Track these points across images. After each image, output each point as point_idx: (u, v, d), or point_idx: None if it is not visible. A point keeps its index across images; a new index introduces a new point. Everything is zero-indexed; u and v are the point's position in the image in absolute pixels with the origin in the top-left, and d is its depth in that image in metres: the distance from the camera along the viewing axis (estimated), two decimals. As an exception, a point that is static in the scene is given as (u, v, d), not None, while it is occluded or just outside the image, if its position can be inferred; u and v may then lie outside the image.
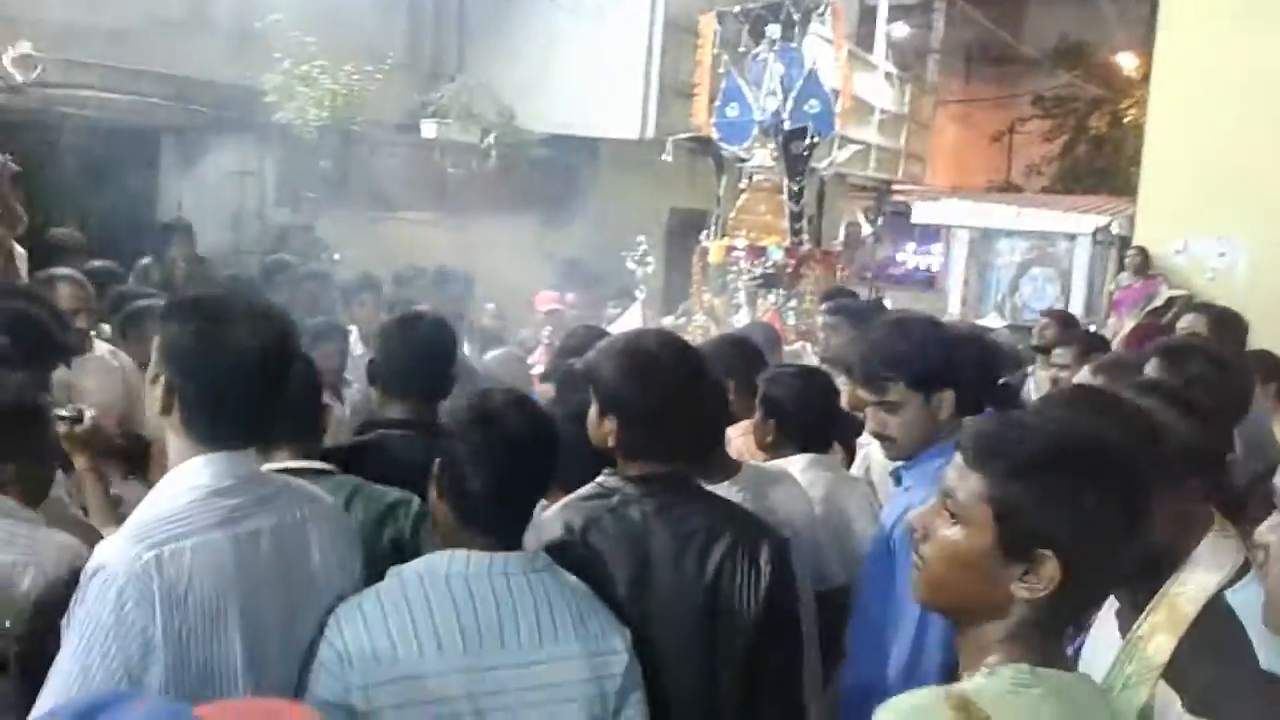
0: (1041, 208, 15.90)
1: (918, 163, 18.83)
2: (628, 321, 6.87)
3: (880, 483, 3.38)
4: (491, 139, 9.88)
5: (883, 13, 16.11)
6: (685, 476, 2.23)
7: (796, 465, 3.02)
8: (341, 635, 1.85)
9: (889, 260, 21.66)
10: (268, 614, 1.81)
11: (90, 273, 5.14)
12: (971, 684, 1.35)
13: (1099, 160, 21.04)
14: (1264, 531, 1.11)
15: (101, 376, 4.22)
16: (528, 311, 7.96)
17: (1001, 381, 3.82)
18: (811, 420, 3.07)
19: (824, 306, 5.49)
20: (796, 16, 7.78)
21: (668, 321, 7.14)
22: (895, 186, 18.65)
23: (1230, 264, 9.52)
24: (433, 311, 3.30)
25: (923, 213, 16.43)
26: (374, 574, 2.02)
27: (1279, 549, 1.11)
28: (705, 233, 7.88)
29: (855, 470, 3.49)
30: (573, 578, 2.03)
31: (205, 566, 1.72)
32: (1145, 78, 19.90)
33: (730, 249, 7.48)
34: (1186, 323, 4.42)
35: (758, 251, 7.40)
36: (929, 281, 20.20)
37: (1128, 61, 20.68)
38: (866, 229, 19.46)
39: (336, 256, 7.93)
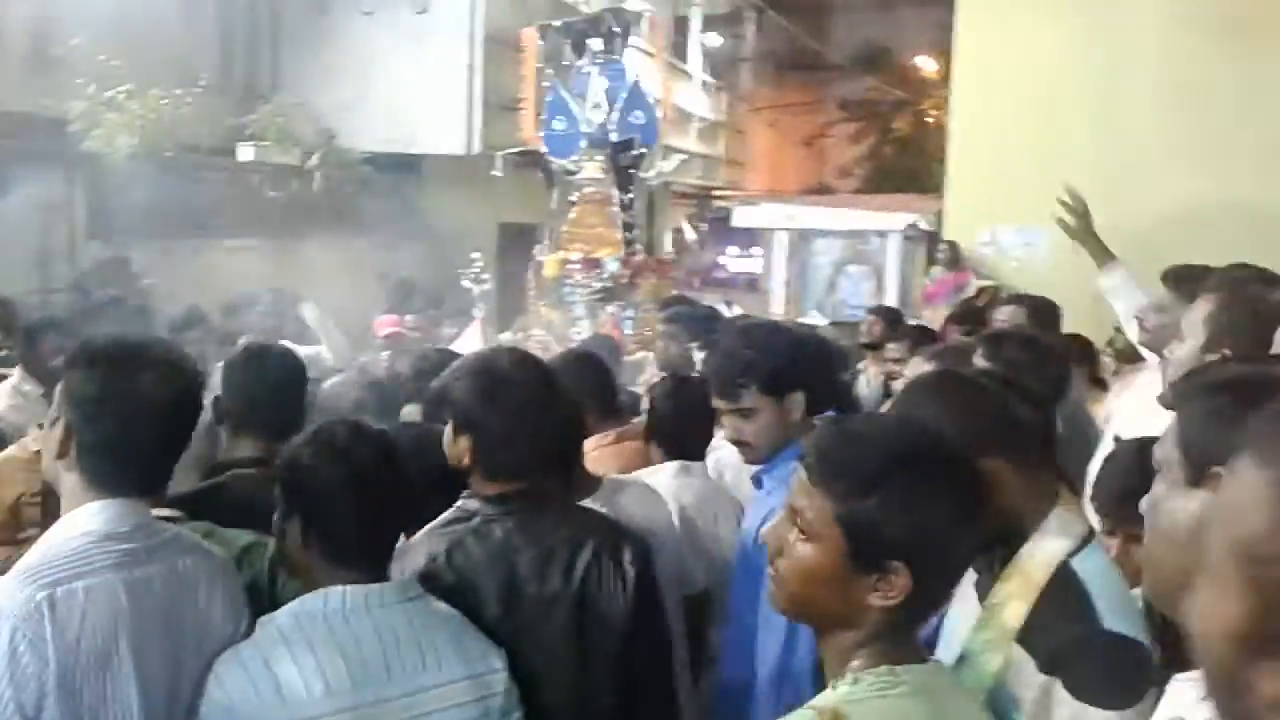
0: (854, 208, 16.58)
1: (736, 168, 19.34)
2: (467, 341, 6.83)
3: (733, 485, 3.50)
4: (315, 159, 9.67)
5: (695, 23, 16.49)
6: (544, 492, 2.26)
7: (667, 472, 3.08)
8: (223, 688, 1.81)
9: (713, 264, 22.16)
10: (156, 661, 1.79)
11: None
12: (838, 693, 1.40)
13: (904, 160, 22.03)
14: (1143, 503, 1.22)
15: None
16: (363, 336, 7.81)
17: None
18: (683, 429, 3.13)
19: (661, 315, 5.60)
20: (617, 30, 7.91)
21: (505, 337, 7.13)
22: (715, 192, 19.10)
23: (1034, 253, 10.09)
24: (279, 344, 3.22)
25: (743, 217, 16.91)
26: None
27: (1145, 505, 1.22)
28: (539, 247, 7.92)
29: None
30: (444, 605, 2.03)
31: (98, 608, 1.71)
32: (944, 80, 21.05)
33: (566, 262, 7.55)
34: (1005, 314, 4.68)
35: (593, 264, 7.48)
36: (752, 283, 20.76)
37: (927, 65, 21.78)
38: (691, 235, 19.86)
39: (147, 282, 7.60)
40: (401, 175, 11.02)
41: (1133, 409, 3.21)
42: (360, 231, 10.42)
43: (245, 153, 9.38)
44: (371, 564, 1.96)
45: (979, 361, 2.81)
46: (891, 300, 16.06)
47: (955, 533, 1.42)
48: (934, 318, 10.66)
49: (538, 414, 2.21)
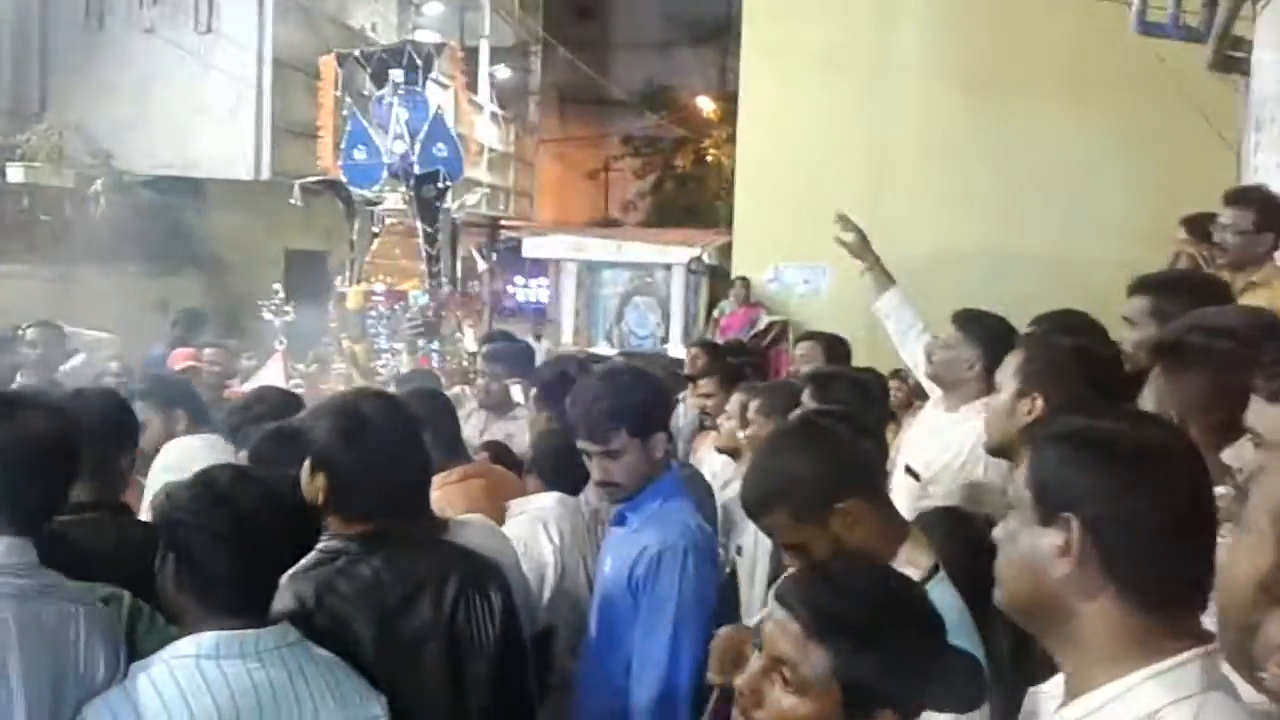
0: (639, 241, 17.04)
1: (525, 199, 19.49)
2: (270, 374, 6.66)
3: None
4: (98, 184, 9.17)
5: (484, 55, 16.57)
6: (404, 530, 2.30)
7: (549, 500, 3.16)
8: None
9: (502, 293, 22.21)
10: (42, 698, 1.81)
11: None
12: None
13: (685, 196, 22.80)
14: (997, 533, 1.37)
15: None
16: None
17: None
18: (562, 463, 3.20)
19: (484, 350, 5.65)
20: (418, 61, 7.92)
21: (303, 369, 6.97)
22: (503, 222, 19.18)
23: (815, 289, 10.73)
24: (100, 384, 3.12)
25: (533, 247, 17.12)
26: None
27: (999, 535, 1.38)
28: (340, 278, 7.80)
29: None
30: (321, 649, 2.04)
31: None
32: (722, 120, 21.98)
33: (370, 294, 7.47)
34: (804, 350, 5.01)
35: (398, 296, 7.44)
36: (541, 312, 20.93)
37: (706, 105, 22.64)
38: (482, 265, 19.84)
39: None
40: (183, 199, 10.57)
41: (914, 437, 3.51)
42: (139, 257, 9.93)
43: (15, 174, 8.79)
44: (249, 610, 1.94)
45: (808, 400, 3.04)
46: (676, 331, 16.62)
47: (932, 669, 1.46)
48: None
49: (398, 455, 2.26)
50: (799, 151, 10.36)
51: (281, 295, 6.77)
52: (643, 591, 2.48)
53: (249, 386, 6.76)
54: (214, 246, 10.88)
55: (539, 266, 19.78)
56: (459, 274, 8.42)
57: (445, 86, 10.28)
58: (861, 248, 4.20)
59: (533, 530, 3.04)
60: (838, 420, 2.06)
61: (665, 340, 16.10)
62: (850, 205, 10.27)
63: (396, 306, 7.41)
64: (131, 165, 9.75)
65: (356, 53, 8.09)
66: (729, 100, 21.70)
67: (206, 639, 1.89)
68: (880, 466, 2.00)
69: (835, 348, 5.01)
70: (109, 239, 9.65)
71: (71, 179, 9.24)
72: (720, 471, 3.84)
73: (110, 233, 9.66)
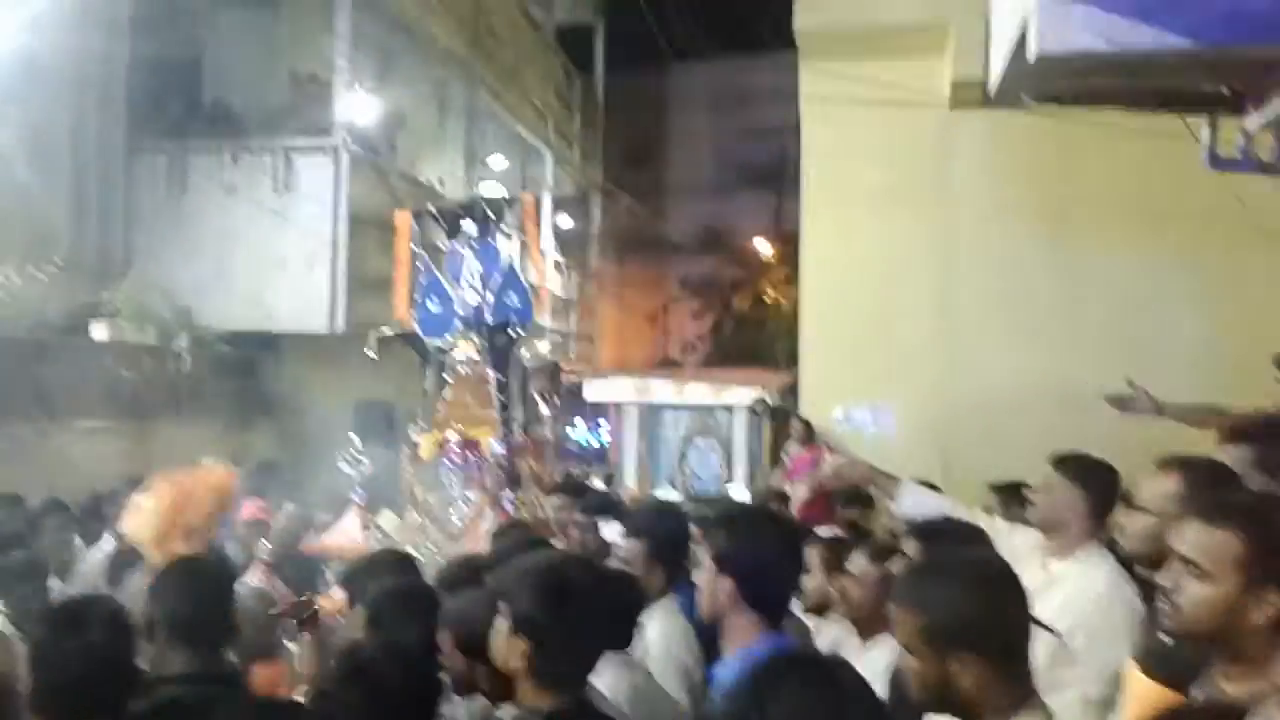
0: (700, 382, 17.02)
1: (587, 343, 19.71)
2: (346, 528, 6.65)
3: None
4: (183, 341, 9.42)
5: (546, 204, 17.02)
6: (592, 702, 2.25)
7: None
8: None
9: (564, 437, 22.27)
10: None
11: None
12: None
13: (745, 337, 22.89)
14: None
15: None
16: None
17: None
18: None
19: (572, 503, 5.60)
20: (491, 215, 8.10)
21: (385, 521, 6.94)
22: (565, 366, 19.36)
23: (884, 429, 10.58)
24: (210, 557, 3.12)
25: (594, 390, 17.16)
26: None
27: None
28: (413, 427, 7.82)
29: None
30: None
31: None
32: (780, 260, 22.24)
33: (443, 443, 7.48)
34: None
35: (471, 444, 7.44)
36: (601, 456, 20.91)
37: (763, 246, 22.94)
38: (545, 410, 19.93)
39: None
40: (259, 353, 10.81)
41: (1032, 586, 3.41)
42: (215, 411, 10.12)
43: (99, 331, 9.05)
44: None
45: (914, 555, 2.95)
46: (740, 473, 16.45)
47: None
48: (795, 494, 10.95)
49: (601, 620, 2.25)
50: (862, 290, 10.36)
51: (359, 447, 6.77)
52: None
53: (326, 539, 6.76)
54: (287, 399, 11.06)
55: (599, 409, 19.88)
56: (528, 420, 8.39)
57: (514, 238, 10.50)
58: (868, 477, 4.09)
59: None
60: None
61: (729, 481, 15.95)
62: (917, 341, 10.29)
63: (470, 455, 7.41)
64: (211, 321, 10.01)
65: (431, 207, 8.28)
66: (786, 241, 22.00)
67: None
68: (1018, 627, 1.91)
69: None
70: (187, 394, 9.86)
71: (153, 335, 9.50)
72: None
73: (188, 388, 9.87)
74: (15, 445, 7.80)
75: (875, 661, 3.43)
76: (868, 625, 3.57)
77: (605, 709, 2.37)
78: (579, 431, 22.92)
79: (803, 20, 10.25)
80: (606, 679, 3.08)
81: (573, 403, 20.58)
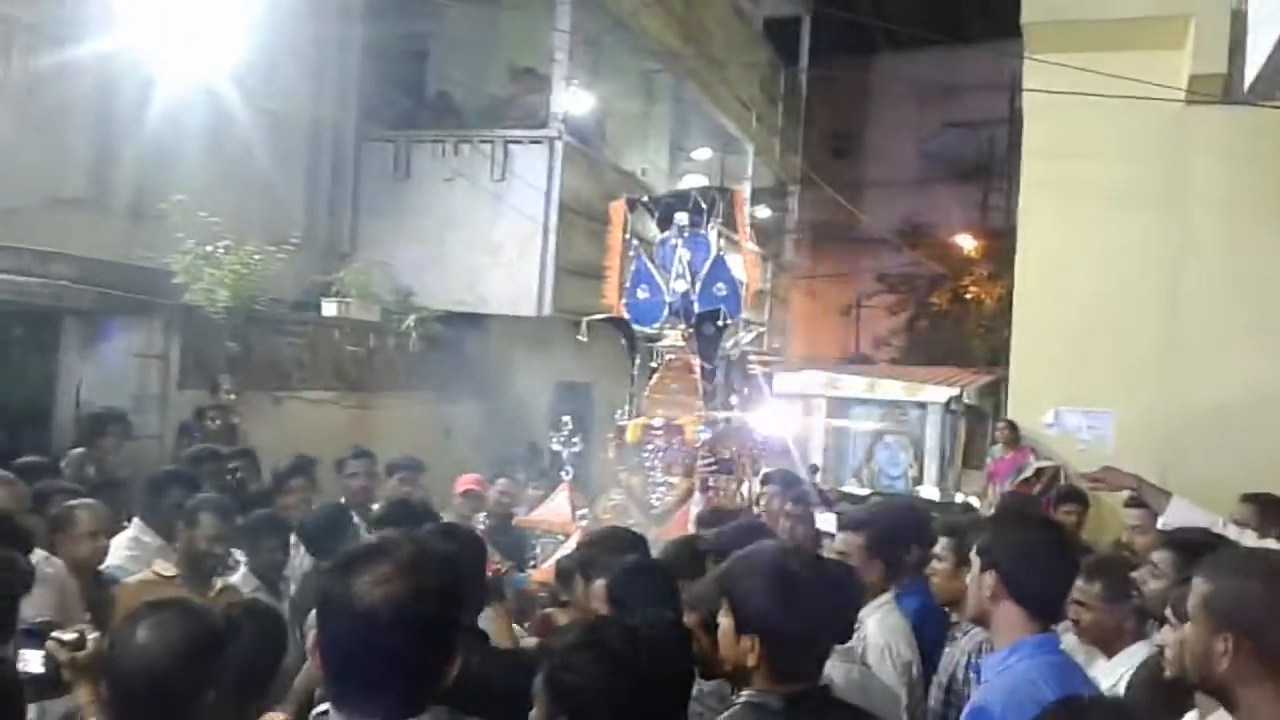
0: (891, 378, 16.71)
1: (779, 336, 19.61)
2: (556, 505, 6.85)
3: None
4: (411, 320, 9.90)
5: (745, 195, 17.01)
6: (827, 688, 2.26)
7: None
8: None
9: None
10: None
11: (18, 469, 4.88)
12: None
13: (941, 334, 22.32)
14: None
15: (41, 586, 3.78)
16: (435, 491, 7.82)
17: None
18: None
19: (784, 492, 5.63)
20: (703, 205, 8.17)
21: (602, 504, 7.12)
22: (754, 358, 19.31)
23: (1100, 436, 10.14)
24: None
25: (784, 384, 17.05)
26: None
27: None
28: (619, 411, 7.98)
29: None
30: None
31: None
32: (983, 256, 21.56)
33: (648, 428, 7.60)
34: (1135, 518, 4.72)
35: (675, 430, 7.54)
36: (785, 450, 20.78)
37: (966, 242, 22.28)
38: (734, 401, 19.97)
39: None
40: (470, 334, 11.23)
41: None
42: (429, 387, 10.58)
43: (329, 308, 9.60)
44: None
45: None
46: (931, 472, 16.05)
47: None
48: (995, 495, 10.62)
49: (830, 615, 2.27)
50: (1083, 290, 9.95)
51: (570, 427, 6.95)
52: None
53: (536, 515, 6.99)
54: (494, 378, 11.45)
55: (784, 402, 19.77)
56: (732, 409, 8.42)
57: (724, 230, 10.54)
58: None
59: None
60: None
61: (919, 481, 15.59)
62: (1141, 345, 9.81)
63: (674, 441, 7.51)
64: (429, 301, 10.45)
65: (645, 198, 8.42)
66: (991, 237, 21.33)
67: None
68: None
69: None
70: (405, 370, 10.34)
71: (377, 314, 9.99)
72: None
73: (406, 364, 10.35)
74: (252, 411, 8.35)
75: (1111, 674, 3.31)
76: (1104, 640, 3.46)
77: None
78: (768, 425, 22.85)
79: (1030, 13, 9.95)
80: (824, 670, 3.08)
81: (758, 395, 20.61)
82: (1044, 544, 2.53)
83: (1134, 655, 3.24)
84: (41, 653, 2.48)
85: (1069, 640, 3.68)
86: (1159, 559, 3.27)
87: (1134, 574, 3.36)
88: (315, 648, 1.68)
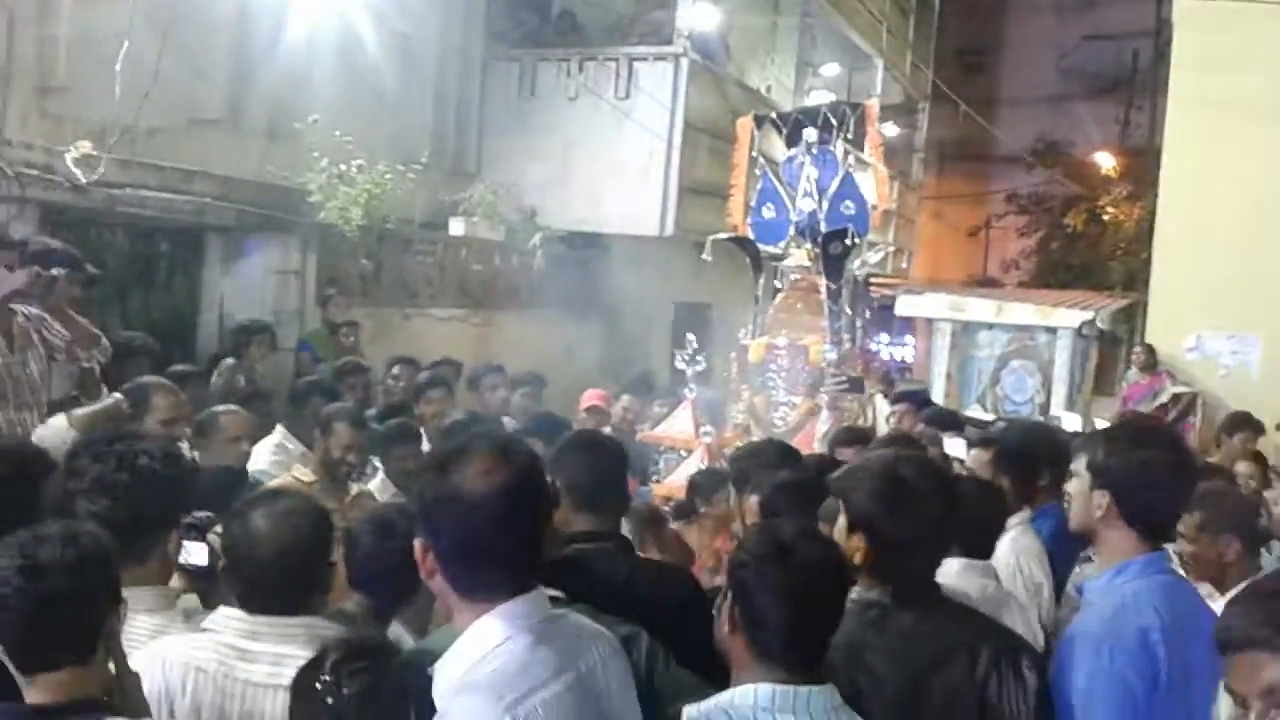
0: (1020, 302, 16.21)
1: (903, 257, 19.22)
2: (679, 421, 6.90)
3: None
4: (536, 240, 10.01)
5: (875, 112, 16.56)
6: (937, 587, 2.30)
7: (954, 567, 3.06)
8: None
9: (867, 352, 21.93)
10: None
11: (171, 377, 5.12)
12: None
13: (1075, 256, 21.52)
14: None
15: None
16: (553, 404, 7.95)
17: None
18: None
19: (899, 408, 5.56)
20: (833, 121, 8.00)
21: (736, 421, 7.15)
22: (878, 279, 18.97)
23: (1244, 361, 9.74)
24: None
25: (907, 306, 16.71)
26: None
27: None
28: (743, 331, 7.96)
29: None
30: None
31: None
32: (1122, 175, 20.63)
33: (771, 347, 7.58)
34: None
35: (799, 350, 7.50)
36: (904, 372, 20.48)
37: (1104, 160, 21.34)
38: (858, 322, 19.71)
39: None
40: (593, 253, 11.30)
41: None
42: (552, 306, 10.72)
43: (456, 227, 9.76)
44: (801, 664, 1.96)
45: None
46: (1059, 398, 15.62)
47: None
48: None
49: (936, 519, 2.26)
50: (1232, 210, 9.47)
51: (694, 345, 6.97)
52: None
53: (659, 431, 7.06)
54: (614, 298, 11.52)
55: (905, 325, 19.40)
56: (858, 331, 8.32)
57: (851, 148, 10.33)
58: None
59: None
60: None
61: (1046, 408, 15.22)
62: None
63: (797, 361, 7.47)
64: (552, 221, 10.53)
65: (773, 114, 8.28)
66: (1131, 155, 20.37)
67: (763, 690, 1.91)
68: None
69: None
70: (529, 288, 10.49)
71: (502, 233, 10.12)
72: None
73: (530, 283, 10.49)
74: (381, 327, 8.61)
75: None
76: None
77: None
78: (882, 347, 22.52)
79: (1182, -86, 9.35)
80: (956, 580, 3.07)
81: (881, 316, 20.24)
82: (1165, 466, 2.43)
83: None
84: (205, 545, 2.63)
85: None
86: None
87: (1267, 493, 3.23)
88: (424, 552, 1.79)
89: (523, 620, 1.77)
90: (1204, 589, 3.42)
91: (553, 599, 2.33)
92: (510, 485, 1.74)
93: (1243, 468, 5.07)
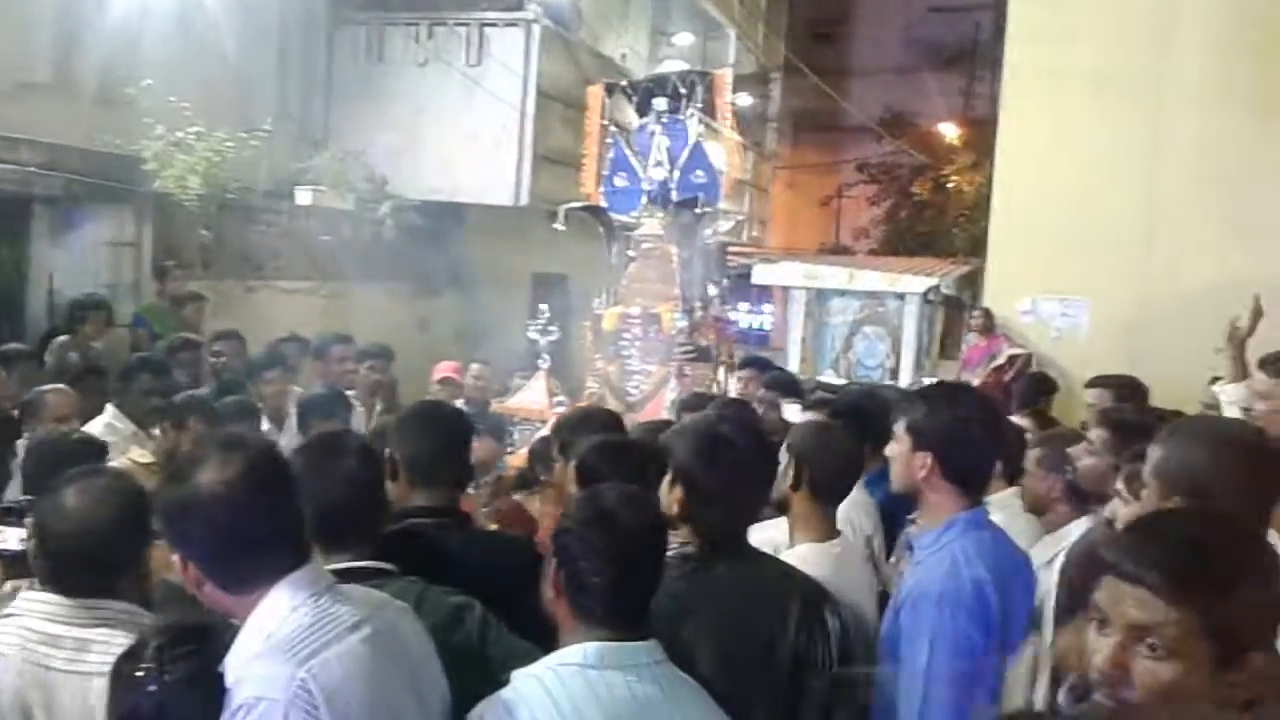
0: (871, 269, 16.69)
1: (758, 226, 19.52)
2: (533, 392, 6.90)
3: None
4: (386, 208, 9.79)
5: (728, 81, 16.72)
6: (744, 541, 2.44)
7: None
8: None
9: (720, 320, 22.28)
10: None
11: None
12: None
13: (922, 224, 22.24)
14: None
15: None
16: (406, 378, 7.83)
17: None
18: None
19: (743, 373, 5.67)
20: (683, 90, 8.05)
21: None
22: (734, 248, 19.25)
23: (1074, 324, 10.21)
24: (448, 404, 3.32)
25: (763, 274, 17.03)
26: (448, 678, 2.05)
27: None
28: (596, 301, 7.97)
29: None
30: (683, 674, 2.06)
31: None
32: (965, 145, 21.36)
33: (625, 316, 7.62)
34: (1094, 396, 4.80)
35: (652, 318, 7.56)
36: (764, 340, 20.89)
37: (948, 130, 22.06)
38: (713, 291, 19.96)
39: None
40: (446, 224, 11.13)
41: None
42: (405, 278, 10.53)
43: (303, 196, 9.49)
44: (624, 623, 1.99)
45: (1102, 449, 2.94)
46: (907, 362, 16.17)
47: None
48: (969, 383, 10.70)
49: (750, 472, 2.41)
50: (1062, 179, 9.88)
51: (547, 315, 6.96)
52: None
53: (512, 402, 7.04)
54: (469, 269, 11.40)
55: (764, 293, 19.78)
56: (709, 299, 8.42)
57: (703, 116, 10.42)
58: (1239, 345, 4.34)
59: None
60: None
61: (895, 372, 15.74)
62: (1120, 235, 9.79)
63: (651, 330, 7.54)
64: (403, 191, 10.33)
65: (624, 82, 8.28)
66: (974, 125, 21.11)
67: (591, 649, 1.95)
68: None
69: (1129, 388, 4.78)
70: (380, 260, 10.27)
71: (351, 202, 9.88)
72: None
73: (381, 254, 10.28)
74: (224, 300, 8.33)
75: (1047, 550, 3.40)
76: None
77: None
78: (742, 315, 22.92)
79: (1018, -109, 9.67)
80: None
81: (737, 285, 20.58)
82: (979, 423, 2.55)
83: (1070, 533, 3.31)
84: (20, 530, 2.52)
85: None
86: (1095, 436, 3.34)
87: (1070, 449, 3.41)
88: (184, 565, 1.87)
89: (309, 587, 1.83)
90: (1029, 519, 3.61)
91: (385, 573, 2.34)
92: (242, 474, 1.79)
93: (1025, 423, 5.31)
